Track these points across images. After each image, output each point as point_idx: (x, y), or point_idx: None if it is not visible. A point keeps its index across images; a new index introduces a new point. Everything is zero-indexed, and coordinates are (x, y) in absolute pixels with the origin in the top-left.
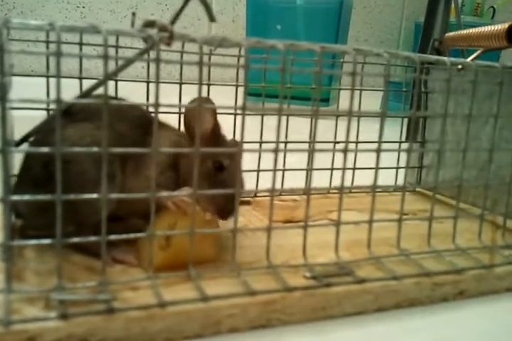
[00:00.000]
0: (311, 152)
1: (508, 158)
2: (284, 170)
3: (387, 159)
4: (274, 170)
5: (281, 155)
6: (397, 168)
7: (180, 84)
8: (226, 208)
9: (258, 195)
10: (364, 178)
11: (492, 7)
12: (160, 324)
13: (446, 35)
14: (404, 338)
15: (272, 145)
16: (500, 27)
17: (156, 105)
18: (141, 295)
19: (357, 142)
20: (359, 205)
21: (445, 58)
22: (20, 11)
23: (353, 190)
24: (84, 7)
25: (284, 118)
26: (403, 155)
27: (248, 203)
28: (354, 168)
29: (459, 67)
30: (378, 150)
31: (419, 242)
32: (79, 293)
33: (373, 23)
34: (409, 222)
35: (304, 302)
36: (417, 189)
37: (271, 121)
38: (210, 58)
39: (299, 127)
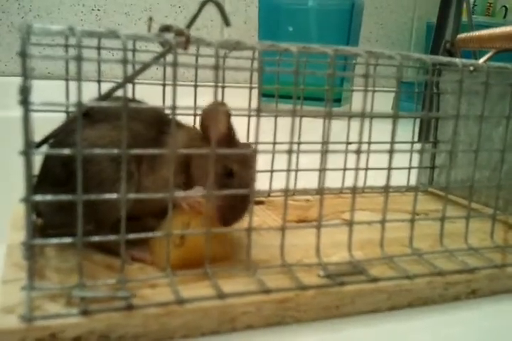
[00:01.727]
0: (324, 153)
1: None
2: (297, 171)
3: (400, 159)
4: (288, 171)
5: (294, 155)
6: (410, 169)
7: (195, 86)
8: (230, 216)
9: (272, 194)
10: (377, 178)
11: (504, 6)
12: (178, 320)
13: (458, 36)
14: (417, 336)
15: (285, 146)
16: (511, 28)
17: (174, 108)
18: (159, 293)
19: (369, 143)
20: (372, 205)
21: (457, 60)
22: (37, 14)
23: (366, 190)
24: (99, 10)
25: (297, 119)
26: (415, 156)
27: (262, 203)
28: (367, 168)
29: (471, 68)
30: (391, 151)
31: (431, 242)
32: (99, 291)
33: (384, 23)
34: (422, 222)
35: (317, 300)
36: (429, 189)
37: (284, 121)
38: (224, 61)
39: (311, 127)
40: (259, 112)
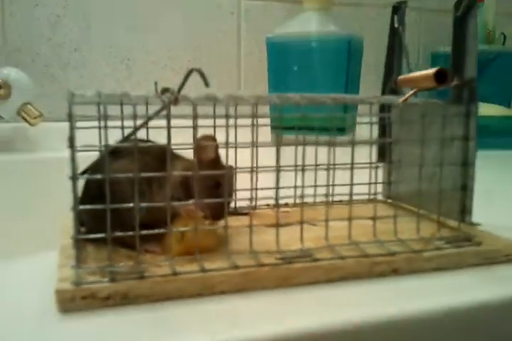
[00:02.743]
0: (302, 171)
1: (446, 172)
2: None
3: (364, 177)
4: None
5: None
6: (370, 184)
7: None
8: (218, 213)
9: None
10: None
11: (503, 33)
12: (173, 286)
13: (399, 77)
14: (346, 298)
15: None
16: (430, 71)
17: (169, 144)
18: (162, 269)
19: (334, 164)
20: (338, 214)
21: (390, 97)
22: (75, 66)
23: (335, 203)
24: (129, 60)
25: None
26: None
27: (248, 214)
28: (333, 185)
29: (396, 104)
30: (352, 168)
31: (369, 237)
32: (122, 268)
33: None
34: (368, 223)
35: (271, 274)
36: (388, 200)
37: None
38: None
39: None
40: (235, 145)
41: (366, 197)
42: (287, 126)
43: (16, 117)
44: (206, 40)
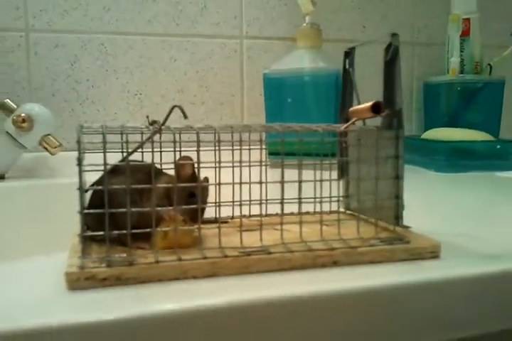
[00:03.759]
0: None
1: (383, 185)
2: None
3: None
4: (261, 201)
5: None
6: (332, 197)
7: (178, 151)
8: (194, 217)
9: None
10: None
11: (489, 64)
12: (156, 271)
13: (350, 109)
14: (291, 280)
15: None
16: (368, 104)
17: (153, 164)
18: (148, 259)
19: (300, 181)
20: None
21: (337, 125)
22: (92, 101)
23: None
24: (141, 94)
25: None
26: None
27: (227, 222)
28: (300, 198)
29: (338, 131)
30: (315, 184)
31: (319, 238)
32: (116, 258)
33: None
34: (322, 228)
35: (234, 263)
36: (347, 211)
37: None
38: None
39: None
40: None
41: (328, 209)
42: (273, 152)
43: (38, 147)
44: (211, 76)
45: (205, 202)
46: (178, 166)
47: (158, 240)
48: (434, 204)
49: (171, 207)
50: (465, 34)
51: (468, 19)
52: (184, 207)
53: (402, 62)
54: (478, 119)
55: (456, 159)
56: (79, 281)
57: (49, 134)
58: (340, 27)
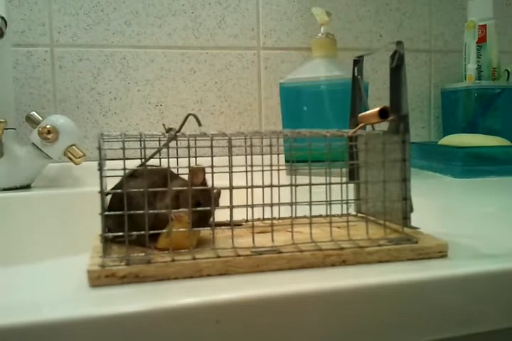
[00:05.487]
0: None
1: (392, 187)
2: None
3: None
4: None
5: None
6: (342, 200)
7: (193, 157)
8: (200, 222)
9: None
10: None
11: (506, 70)
12: (172, 269)
13: (359, 115)
14: (301, 278)
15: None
16: (376, 109)
17: (168, 168)
18: (164, 258)
19: (310, 184)
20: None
21: (345, 130)
22: (114, 112)
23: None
24: (161, 105)
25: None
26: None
27: (241, 225)
28: (310, 201)
29: (346, 135)
30: (327, 187)
31: (329, 238)
32: (135, 257)
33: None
34: (333, 230)
35: (246, 262)
36: (358, 214)
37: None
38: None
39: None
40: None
41: (340, 211)
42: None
43: (63, 157)
44: (229, 86)
45: (211, 210)
46: (191, 173)
47: (161, 239)
48: (449, 207)
49: (185, 209)
50: (482, 40)
51: (484, 25)
52: (197, 209)
53: (419, 70)
54: (497, 125)
55: (473, 164)
56: (100, 279)
57: (73, 145)
58: (357, 36)
